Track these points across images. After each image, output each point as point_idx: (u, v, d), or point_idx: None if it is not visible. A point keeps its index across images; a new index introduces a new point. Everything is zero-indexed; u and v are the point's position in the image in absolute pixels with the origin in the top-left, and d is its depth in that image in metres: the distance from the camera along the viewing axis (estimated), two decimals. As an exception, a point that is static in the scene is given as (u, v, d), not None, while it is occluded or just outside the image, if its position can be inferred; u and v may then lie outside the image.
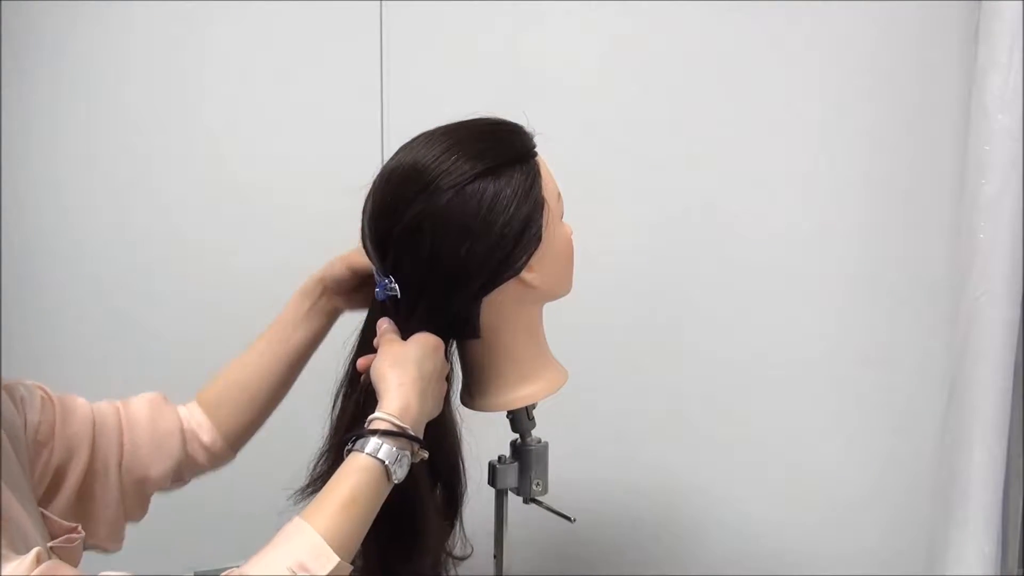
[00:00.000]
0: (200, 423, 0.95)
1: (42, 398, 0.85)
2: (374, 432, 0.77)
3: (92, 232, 1.44)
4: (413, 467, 0.81)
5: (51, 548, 0.76)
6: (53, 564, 0.68)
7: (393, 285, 0.86)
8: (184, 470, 0.94)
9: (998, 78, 1.25)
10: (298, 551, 0.70)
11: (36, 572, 0.65)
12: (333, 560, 0.70)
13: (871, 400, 1.44)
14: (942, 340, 1.37)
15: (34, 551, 0.67)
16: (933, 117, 1.38)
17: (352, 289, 0.97)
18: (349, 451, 0.78)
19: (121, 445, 0.89)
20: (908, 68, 1.38)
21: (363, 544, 0.78)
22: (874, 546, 1.46)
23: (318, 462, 0.91)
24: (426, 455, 0.83)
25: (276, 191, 1.43)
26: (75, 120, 1.41)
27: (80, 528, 0.81)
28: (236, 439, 0.97)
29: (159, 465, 0.91)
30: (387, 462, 0.76)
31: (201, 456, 0.95)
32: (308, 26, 1.40)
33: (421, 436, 0.82)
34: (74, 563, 0.79)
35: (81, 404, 0.89)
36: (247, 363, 0.98)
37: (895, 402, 1.44)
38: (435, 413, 0.88)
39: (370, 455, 0.76)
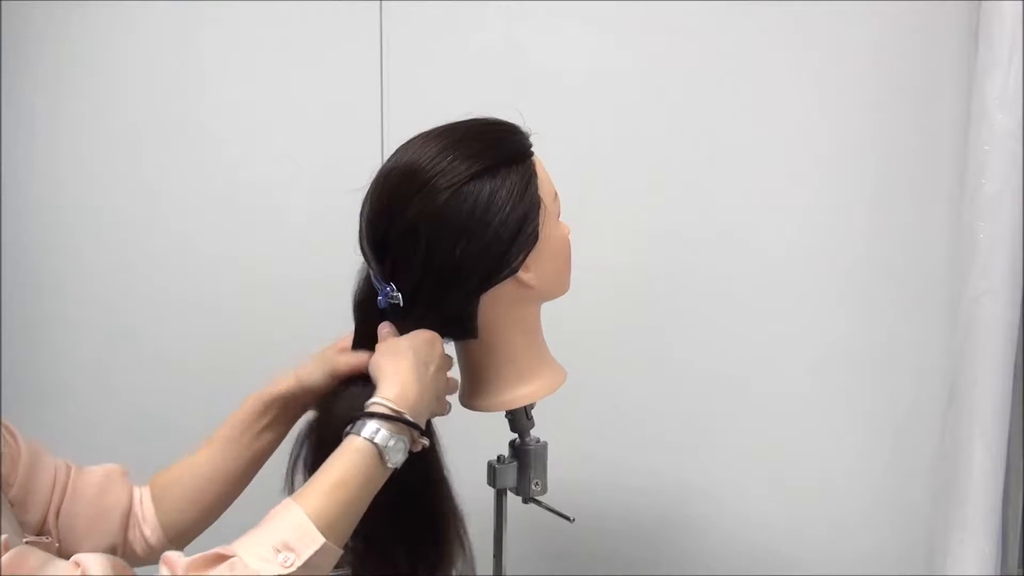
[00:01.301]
0: (146, 513, 0.91)
1: (4, 434, 0.82)
2: (371, 416, 0.77)
3: (91, 233, 1.44)
4: (427, 461, 0.82)
5: (27, 543, 0.76)
6: (22, 550, 0.67)
7: (395, 293, 0.86)
8: (120, 555, 0.89)
9: (998, 78, 1.25)
10: (283, 530, 0.70)
11: (4, 558, 0.65)
12: (318, 540, 0.70)
13: (871, 400, 1.44)
14: (942, 340, 1.37)
15: (1, 538, 0.66)
16: (933, 117, 1.38)
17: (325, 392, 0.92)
18: (346, 434, 0.78)
19: (58, 513, 0.86)
20: (908, 68, 1.38)
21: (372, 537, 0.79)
22: (874, 546, 1.46)
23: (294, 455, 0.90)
24: (427, 443, 0.83)
25: (276, 191, 1.43)
26: (74, 121, 1.42)
27: (49, 537, 0.80)
28: (178, 537, 0.92)
29: (92, 540, 0.87)
30: (381, 445, 0.76)
31: (140, 547, 0.90)
32: (308, 26, 1.40)
33: (422, 425, 0.82)
34: None
35: (48, 463, 0.86)
36: (198, 456, 0.93)
37: (895, 403, 1.44)
38: (440, 410, 0.88)
39: (365, 438, 0.76)
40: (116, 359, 1.45)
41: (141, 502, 0.92)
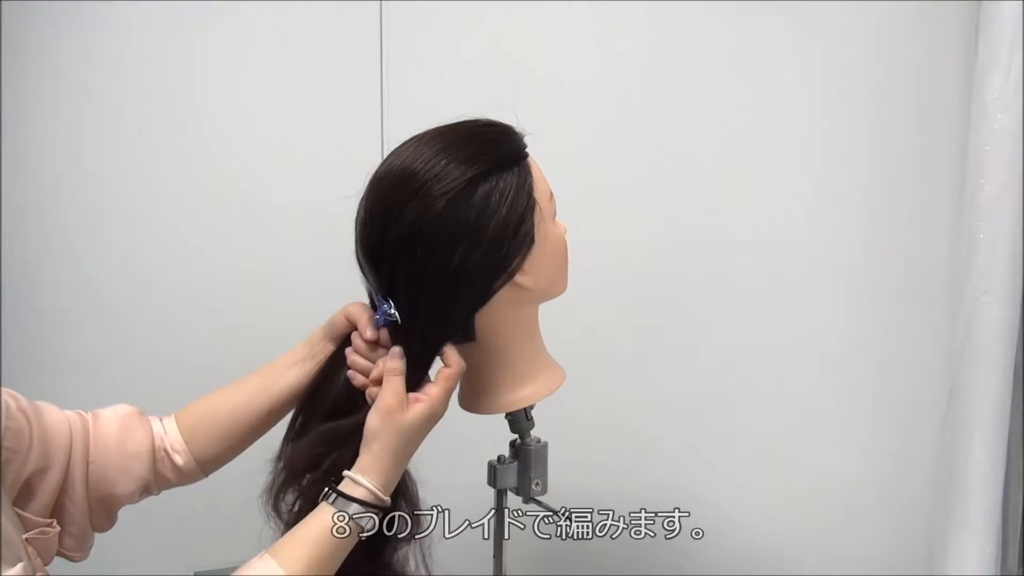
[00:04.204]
0: (175, 445, 0.92)
1: (6, 404, 0.82)
2: (354, 499, 0.80)
3: (90, 234, 1.44)
4: None
5: (26, 540, 0.76)
6: None
7: (393, 311, 0.85)
8: (152, 487, 0.93)
9: (998, 78, 1.25)
10: None
11: None
12: None
13: (871, 400, 1.44)
14: (942, 340, 1.37)
15: (19, 566, 0.67)
16: (933, 117, 1.38)
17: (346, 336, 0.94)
18: (323, 498, 0.81)
19: (87, 463, 0.87)
20: (908, 68, 1.38)
21: None
22: (875, 546, 1.46)
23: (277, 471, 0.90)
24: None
25: (276, 192, 1.43)
26: (74, 122, 1.41)
27: (55, 522, 0.81)
28: (208, 465, 0.95)
29: (125, 485, 0.90)
30: (359, 523, 0.80)
31: (171, 475, 0.93)
32: (308, 26, 1.40)
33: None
34: (48, 554, 0.80)
35: (54, 413, 0.87)
36: (230, 398, 0.95)
37: (895, 402, 1.44)
38: None
39: (345, 513, 0.79)
40: (115, 358, 1.45)
41: (165, 434, 0.93)
